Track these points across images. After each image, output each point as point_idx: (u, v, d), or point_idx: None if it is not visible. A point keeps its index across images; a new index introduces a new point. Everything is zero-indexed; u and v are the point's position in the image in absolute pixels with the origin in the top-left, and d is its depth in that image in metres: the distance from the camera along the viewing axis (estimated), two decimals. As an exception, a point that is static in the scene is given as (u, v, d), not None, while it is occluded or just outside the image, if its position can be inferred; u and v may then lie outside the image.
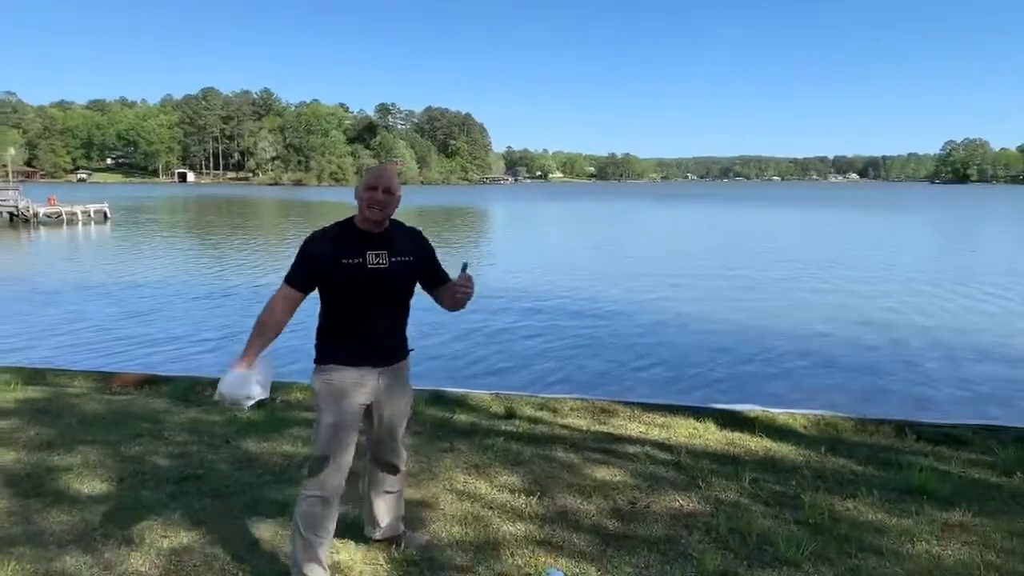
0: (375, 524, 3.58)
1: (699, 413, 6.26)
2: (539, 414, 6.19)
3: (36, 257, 31.86)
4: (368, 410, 3.24)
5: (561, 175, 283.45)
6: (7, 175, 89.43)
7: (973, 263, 28.33)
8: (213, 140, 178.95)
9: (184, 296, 18.53)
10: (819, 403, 8.05)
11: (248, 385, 3.01)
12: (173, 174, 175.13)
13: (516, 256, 31.51)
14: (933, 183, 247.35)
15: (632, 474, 4.68)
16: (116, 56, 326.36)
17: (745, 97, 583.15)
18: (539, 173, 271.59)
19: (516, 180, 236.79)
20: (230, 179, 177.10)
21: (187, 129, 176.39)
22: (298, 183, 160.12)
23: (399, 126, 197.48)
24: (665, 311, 16.65)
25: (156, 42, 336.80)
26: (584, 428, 5.73)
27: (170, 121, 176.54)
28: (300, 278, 3.08)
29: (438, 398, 6.61)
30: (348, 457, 3.16)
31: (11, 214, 47.28)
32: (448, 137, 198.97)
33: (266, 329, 3.06)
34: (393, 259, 3.11)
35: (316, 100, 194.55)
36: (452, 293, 3.20)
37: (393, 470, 3.50)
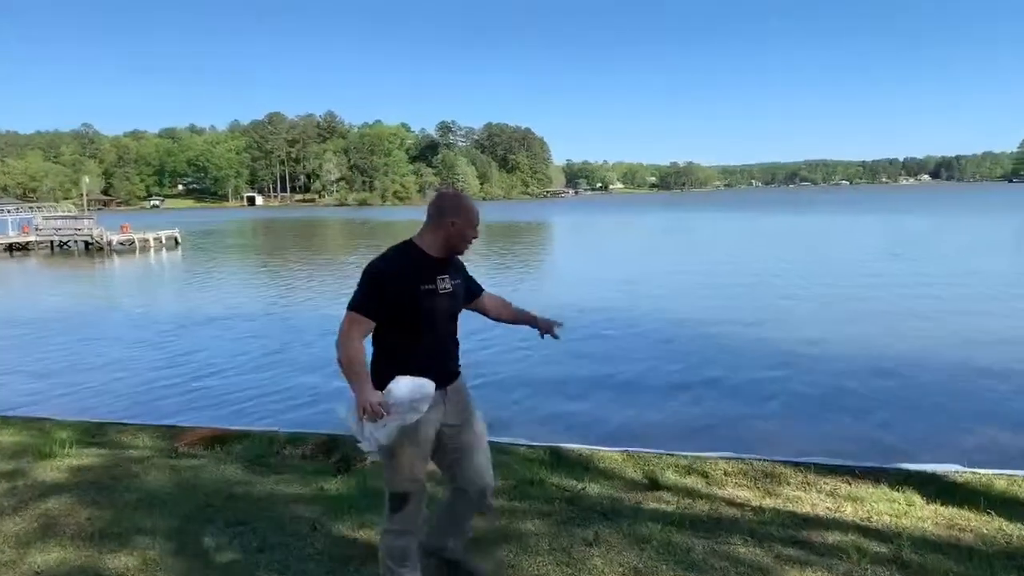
0: (439, 540, 3.37)
1: (892, 478, 5.00)
2: (688, 482, 5.01)
3: (109, 288, 31.86)
4: (441, 438, 3.13)
5: (622, 186, 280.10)
6: (83, 205, 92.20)
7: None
8: (280, 163, 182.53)
9: (253, 333, 17.48)
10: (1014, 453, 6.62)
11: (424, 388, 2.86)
12: (242, 198, 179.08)
13: (578, 275, 30.13)
14: (1011, 182, 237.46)
15: (849, 581, 3.49)
16: (186, 84, 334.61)
17: (810, 100, 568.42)
18: (599, 185, 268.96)
19: (576, 193, 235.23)
20: (297, 201, 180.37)
21: (254, 154, 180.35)
22: (363, 203, 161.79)
23: (460, 143, 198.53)
24: (783, 337, 14.32)
25: (223, 70, 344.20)
26: (754, 504, 4.53)
27: (238, 146, 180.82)
28: (375, 307, 2.94)
29: (558, 459, 5.49)
30: (424, 486, 3.10)
31: (86, 243, 48.23)
32: (508, 152, 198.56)
33: (360, 364, 2.88)
34: (454, 281, 3.13)
35: (379, 121, 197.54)
36: (544, 325, 3.48)
37: (482, 500, 3.26)
